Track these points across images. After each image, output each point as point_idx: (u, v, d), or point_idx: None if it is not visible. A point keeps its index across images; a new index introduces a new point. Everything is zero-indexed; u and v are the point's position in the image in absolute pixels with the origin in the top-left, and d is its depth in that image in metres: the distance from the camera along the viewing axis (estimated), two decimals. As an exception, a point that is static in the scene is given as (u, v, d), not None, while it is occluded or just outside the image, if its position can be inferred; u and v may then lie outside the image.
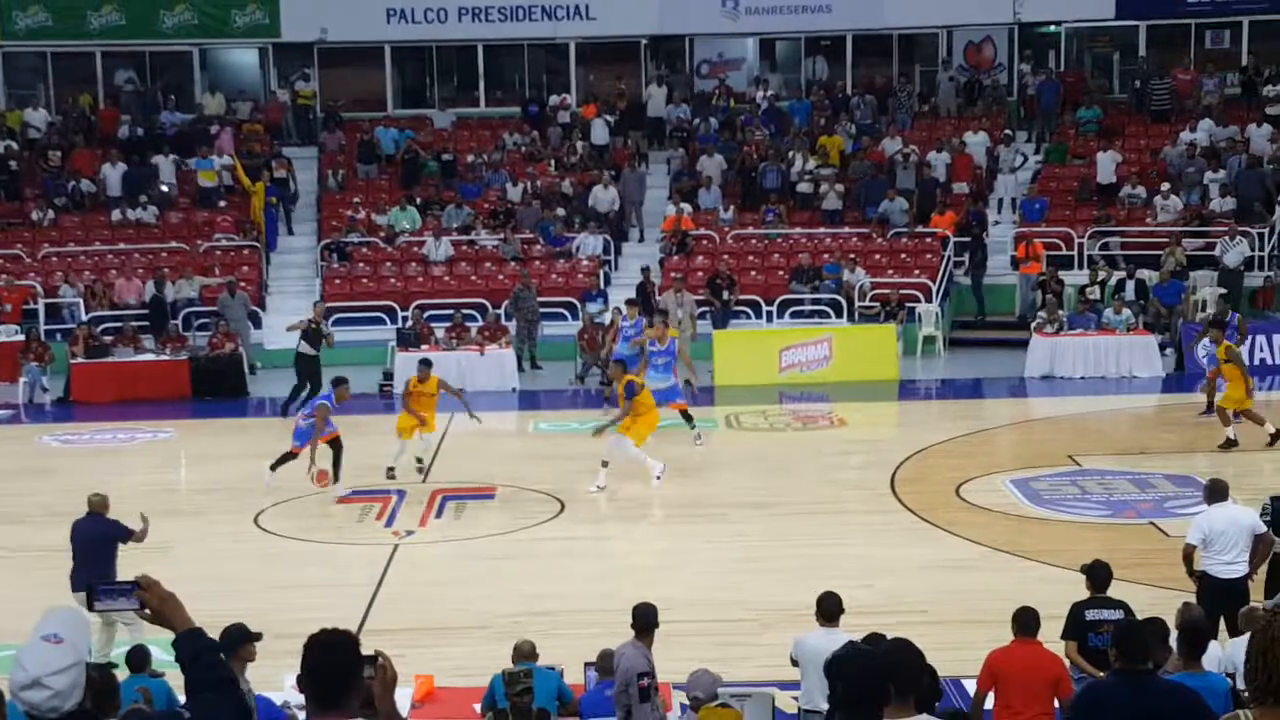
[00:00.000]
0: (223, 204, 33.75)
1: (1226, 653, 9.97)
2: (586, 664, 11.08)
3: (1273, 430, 20.37)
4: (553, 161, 35.12)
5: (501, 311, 28.49)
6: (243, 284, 29.72)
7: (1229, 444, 20.32)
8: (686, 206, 32.68)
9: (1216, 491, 13.14)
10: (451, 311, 28.33)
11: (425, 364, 20.91)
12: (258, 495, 18.96)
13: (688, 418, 21.85)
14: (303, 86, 37.07)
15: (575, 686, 10.96)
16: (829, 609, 10.47)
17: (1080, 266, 30.23)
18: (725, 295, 29.34)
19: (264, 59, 37.98)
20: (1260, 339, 26.79)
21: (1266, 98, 34.24)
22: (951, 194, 32.84)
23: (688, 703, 10.14)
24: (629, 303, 25.39)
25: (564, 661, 11.28)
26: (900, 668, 6.07)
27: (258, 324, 29.85)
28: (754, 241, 32.09)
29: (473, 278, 31.04)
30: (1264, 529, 12.51)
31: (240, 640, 9.89)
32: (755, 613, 14.23)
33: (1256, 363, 26.09)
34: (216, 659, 5.14)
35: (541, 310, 28.74)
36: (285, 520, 18.20)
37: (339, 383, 19.56)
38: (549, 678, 10.60)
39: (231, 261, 31.54)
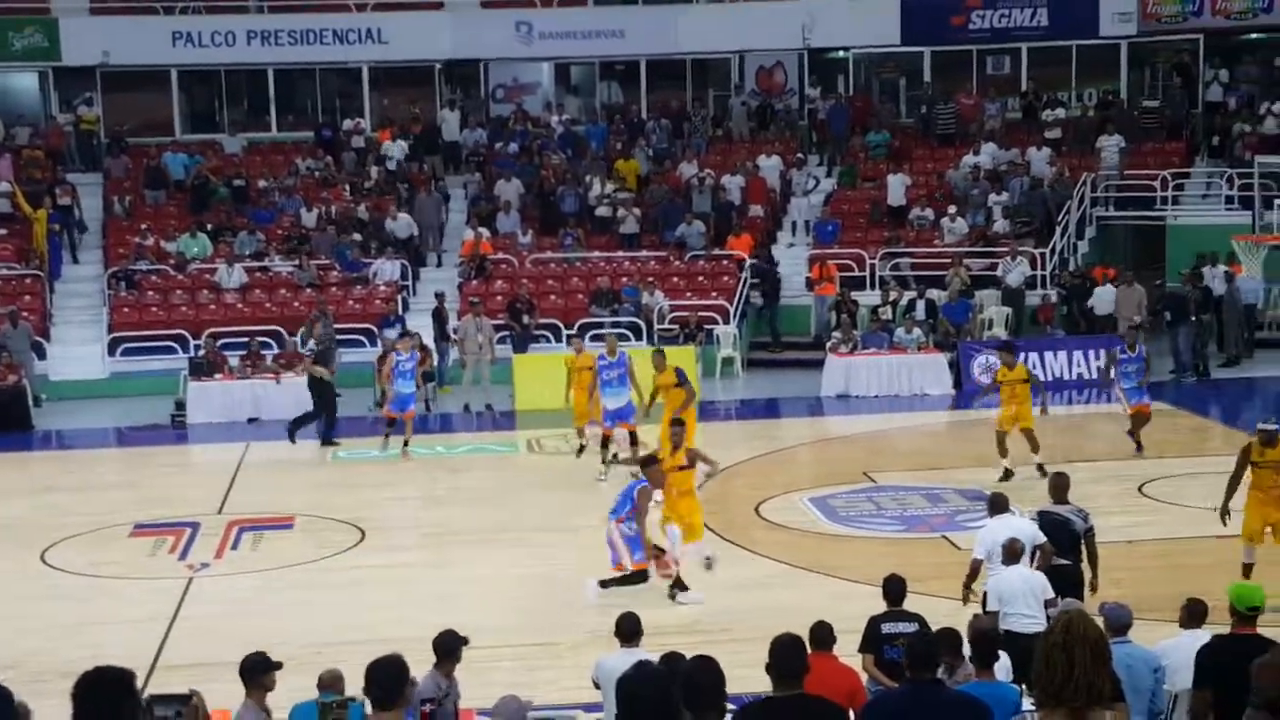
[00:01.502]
0: (3, 232, 32.66)
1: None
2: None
3: (1040, 463, 19.95)
4: (348, 186, 34.72)
5: (297, 339, 28.00)
6: (25, 314, 28.77)
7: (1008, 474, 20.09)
8: (485, 231, 32.57)
9: (997, 505, 13.53)
10: (246, 340, 27.78)
11: None
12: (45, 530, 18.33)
13: (633, 440, 21.16)
14: (85, 111, 36.07)
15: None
16: (627, 629, 10.49)
17: (872, 287, 30.84)
18: (525, 319, 29.27)
19: (44, 83, 36.87)
20: (1034, 356, 27.44)
21: (1045, 121, 35.36)
22: (747, 217, 33.26)
23: (494, 729, 10.01)
24: (404, 335, 25.08)
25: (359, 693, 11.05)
26: (700, 687, 6.07)
27: (42, 355, 28.91)
28: (553, 265, 32.08)
29: (267, 305, 30.48)
30: (1044, 539, 12.86)
31: (261, 669, 9.81)
32: (560, 636, 14.17)
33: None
34: None
35: (338, 337, 28.32)
36: (74, 555, 17.61)
37: None
38: (354, 710, 10.38)
39: (13, 291, 30.49)
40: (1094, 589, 13.18)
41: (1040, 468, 19.52)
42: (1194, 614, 10.71)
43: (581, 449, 21.81)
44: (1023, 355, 22.72)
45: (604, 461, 20.94)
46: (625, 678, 5.83)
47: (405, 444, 22.80)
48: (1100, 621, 10.29)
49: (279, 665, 10.04)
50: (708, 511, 18.92)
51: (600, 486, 20.11)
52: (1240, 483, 14.96)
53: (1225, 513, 14.95)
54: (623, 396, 21.09)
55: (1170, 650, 10.46)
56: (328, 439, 23.92)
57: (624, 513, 15.11)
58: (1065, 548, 13.26)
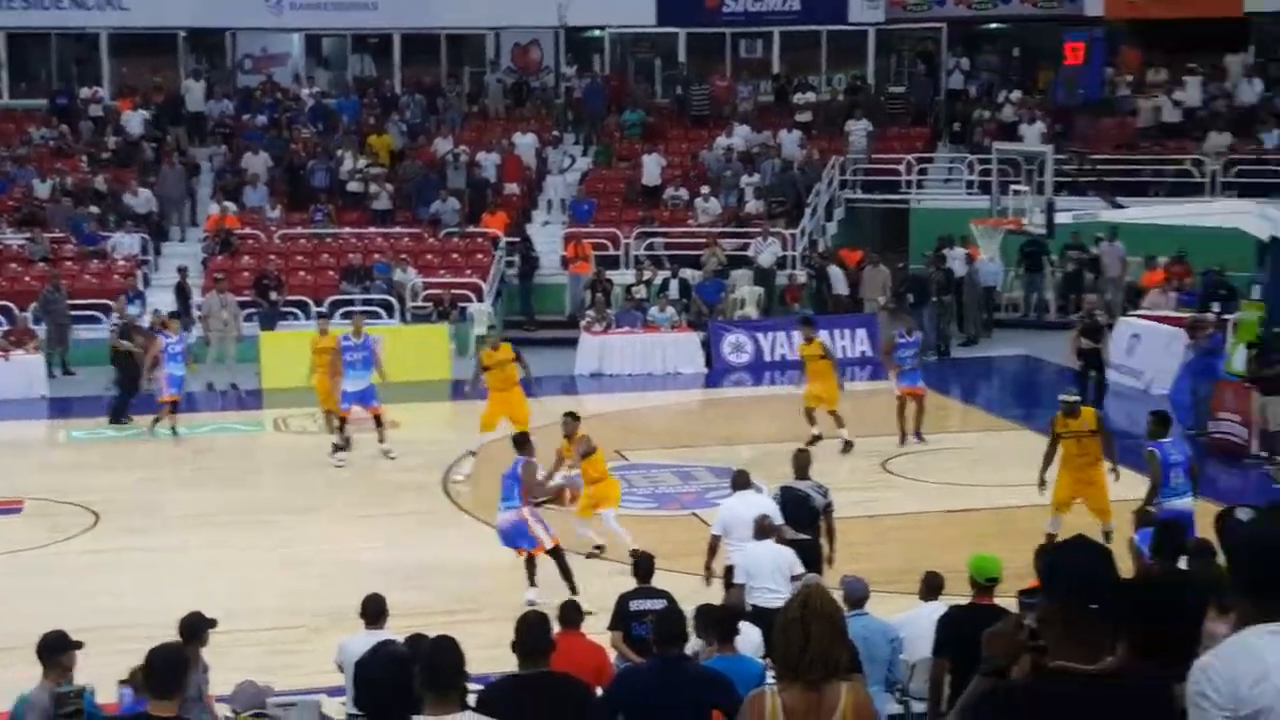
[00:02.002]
0: None
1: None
2: (120, 681, 10.48)
3: (849, 438, 20.61)
4: (85, 157, 33.49)
5: (29, 314, 26.88)
6: None
7: (815, 440, 20.58)
8: (231, 205, 31.73)
9: (738, 482, 13.71)
10: (-26, 316, 26.63)
11: None
12: None
13: (380, 424, 20.69)
14: None
15: (109, 706, 10.35)
16: (372, 611, 10.33)
17: (627, 266, 30.94)
18: (273, 296, 28.58)
19: None
20: (781, 335, 27.93)
21: (796, 105, 35.92)
22: (502, 194, 33.08)
23: (231, 716, 9.74)
24: (173, 315, 24.31)
25: (95, 680, 10.63)
26: (438, 668, 6.05)
27: None
28: (302, 241, 31.41)
29: (-2, 279, 29.24)
30: (776, 519, 13.03)
31: (59, 648, 9.49)
32: (305, 619, 13.89)
33: (778, 358, 27.41)
34: None
35: (73, 313, 27.27)
36: None
37: None
38: (87, 699, 10.00)
39: None
40: (831, 563, 13.44)
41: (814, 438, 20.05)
42: (931, 586, 10.98)
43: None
44: (822, 333, 22.98)
45: (335, 449, 20.36)
46: (363, 661, 5.76)
47: (173, 429, 22.11)
48: (839, 595, 10.53)
49: (79, 645, 9.72)
50: (460, 492, 18.87)
51: (318, 464, 19.88)
52: (1054, 455, 15.47)
53: (1041, 483, 15.51)
54: (364, 379, 20.52)
55: (908, 622, 10.72)
56: (118, 416, 22.99)
57: (517, 496, 14.75)
58: (805, 523, 13.48)
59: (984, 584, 9.75)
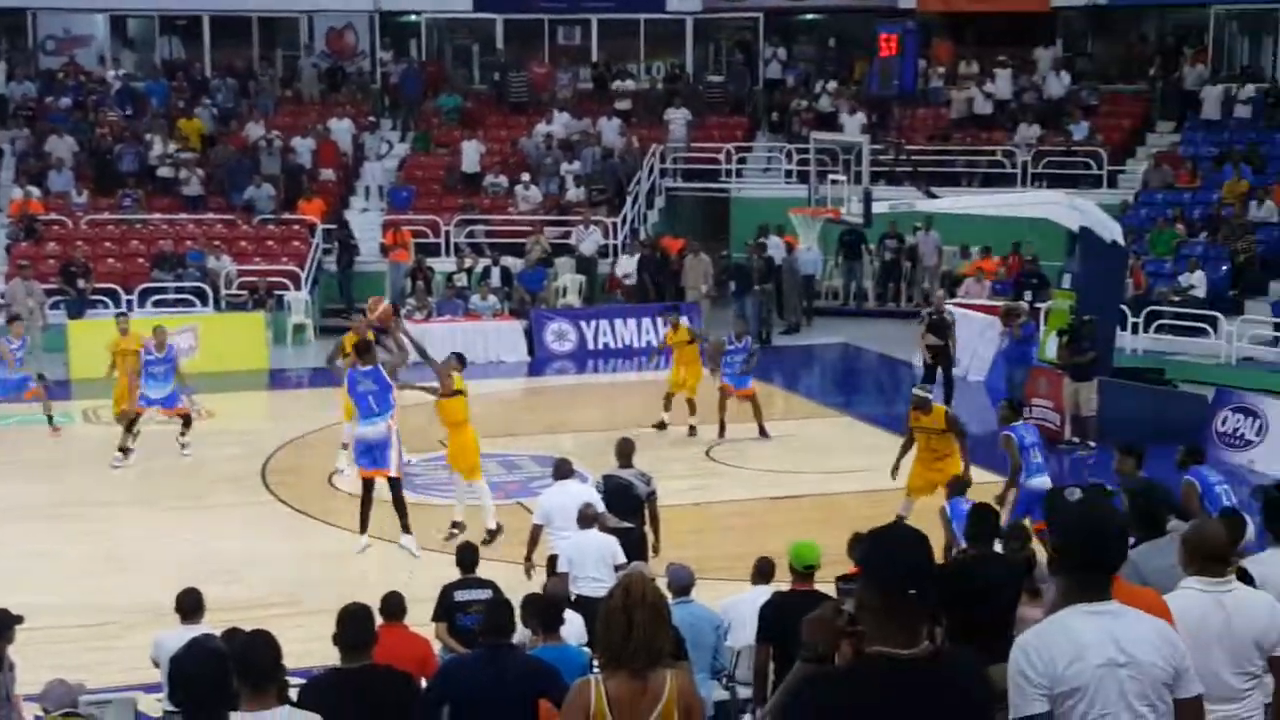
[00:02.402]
0: None
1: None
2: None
3: (694, 423, 20.90)
4: (-124, 139, 32.20)
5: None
6: None
7: (661, 425, 20.92)
8: (34, 190, 30.74)
9: (560, 470, 13.66)
10: None
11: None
12: None
13: (187, 423, 20.02)
14: None
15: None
16: (188, 605, 10.09)
17: (448, 254, 30.66)
18: (80, 284, 27.76)
19: None
20: (604, 324, 28.00)
21: (616, 92, 35.93)
22: (318, 180, 32.53)
23: (42, 716, 9.41)
24: (14, 320, 23.29)
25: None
26: (254, 662, 6.01)
27: None
28: (111, 227, 30.51)
29: None
30: (598, 507, 13.03)
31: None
32: (119, 614, 13.51)
33: (601, 346, 27.46)
34: None
35: None
36: None
37: None
38: None
39: None
40: (656, 552, 13.47)
41: (691, 429, 20.71)
42: (762, 572, 11.05)
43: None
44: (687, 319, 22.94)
45: (123, 447, 19.75)
46: (177, 656, 5.68)
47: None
48: (665, 583, 10.55)
49: (20, 619, 9.62)
50: (279, 483, 18.52)
51: (175, 463, 19.39)
52: (910, 447, 15.79)
53: (895, 470, 15.84)
54: (166, 388, 19.85)
55: (732, 607, 10.78)
56: None
57: (387, 407, 14.55)
58: (629, 511, 13.47)
59: (802, 571, 9.81)
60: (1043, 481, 14.73)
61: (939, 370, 22.60)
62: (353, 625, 7.61)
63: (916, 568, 4.51)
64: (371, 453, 14.96)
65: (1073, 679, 4.73)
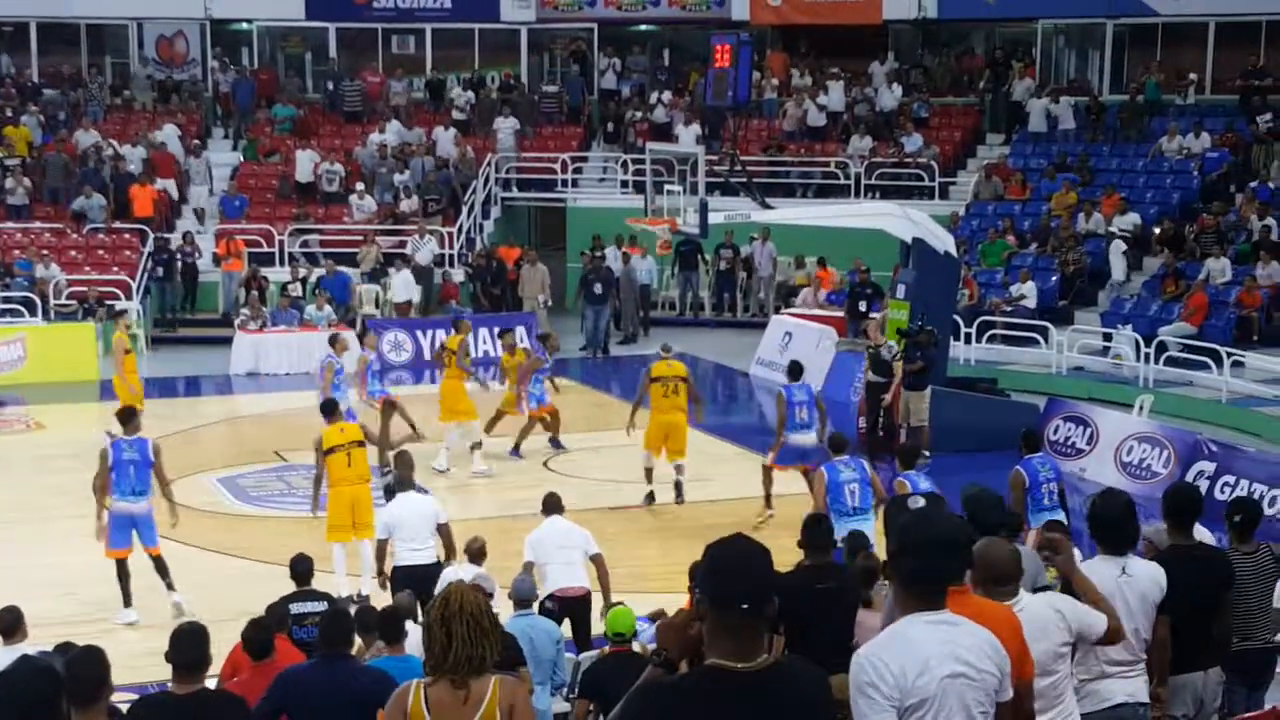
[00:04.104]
0: None
1: None
2: None
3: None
4: None
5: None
6: None
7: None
8: None
9: (401, 483, 13.55)
10: None
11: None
12: None
13: None
14: None
15: None
16: (6, 625, 9.80)
17: (282, 263, 30.31)
18: (-101, 295, 26.97)
19: None
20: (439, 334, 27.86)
21: (450, 102, 35.81)
22: (150, 189, 31.87)
23: None
24: None
25: None
26: (81, 679, 6.02)
27: None
28: (-69, 237, 29.72)
29: None
30: (445, 518, 13.16)
31: None
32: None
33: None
34: None
35: None
36: None
37: None
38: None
39: None
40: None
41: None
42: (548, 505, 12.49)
43: None
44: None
45: None
46: (2, 675, 5.55)
47: None
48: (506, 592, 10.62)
49: None
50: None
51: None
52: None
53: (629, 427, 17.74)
54: None
55: (537, 543, 11.42)
56: None
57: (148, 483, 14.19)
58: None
59: (613, 638, 9.97)
60: (806, 437, 16.68)
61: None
62: (186, 645, 7.39)
63: (750, 582, 4.53)
64: (149, 530, 14.43)
65: (921, 690, 4.84)
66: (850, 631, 8.77)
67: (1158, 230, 27.65)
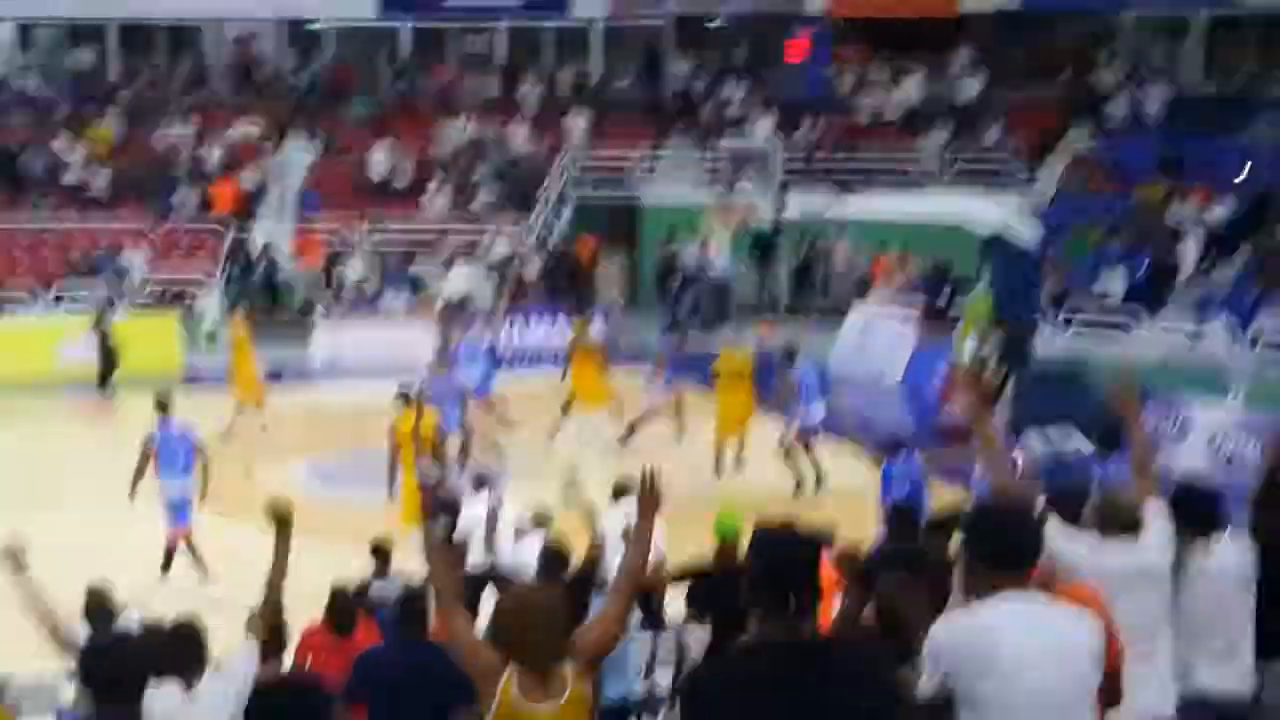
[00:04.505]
0: None
1: None
2: None
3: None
4: None
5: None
6: None
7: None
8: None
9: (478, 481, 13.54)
10: None
11: None
12: None
13: None
14: None
15: None
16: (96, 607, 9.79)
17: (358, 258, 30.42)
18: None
19: None
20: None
21: (523, 99, 35.67)
22: (231, 185, 32.05)
23: None
24: None
25: None
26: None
27: None
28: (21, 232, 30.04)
29: None
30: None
31: None
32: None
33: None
34: None
35: None
36: None
37: None
38: None
39: None
40: None
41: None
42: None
43: None
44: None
45: None
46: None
47: None
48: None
49: None
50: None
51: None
52: None
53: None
54: None
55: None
56: None
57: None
58: None
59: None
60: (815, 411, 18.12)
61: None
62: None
63: (790, 573, 4.71)
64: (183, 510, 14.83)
65: (1011, 668, 4.75)
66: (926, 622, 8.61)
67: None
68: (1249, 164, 28.07)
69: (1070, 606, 5.05)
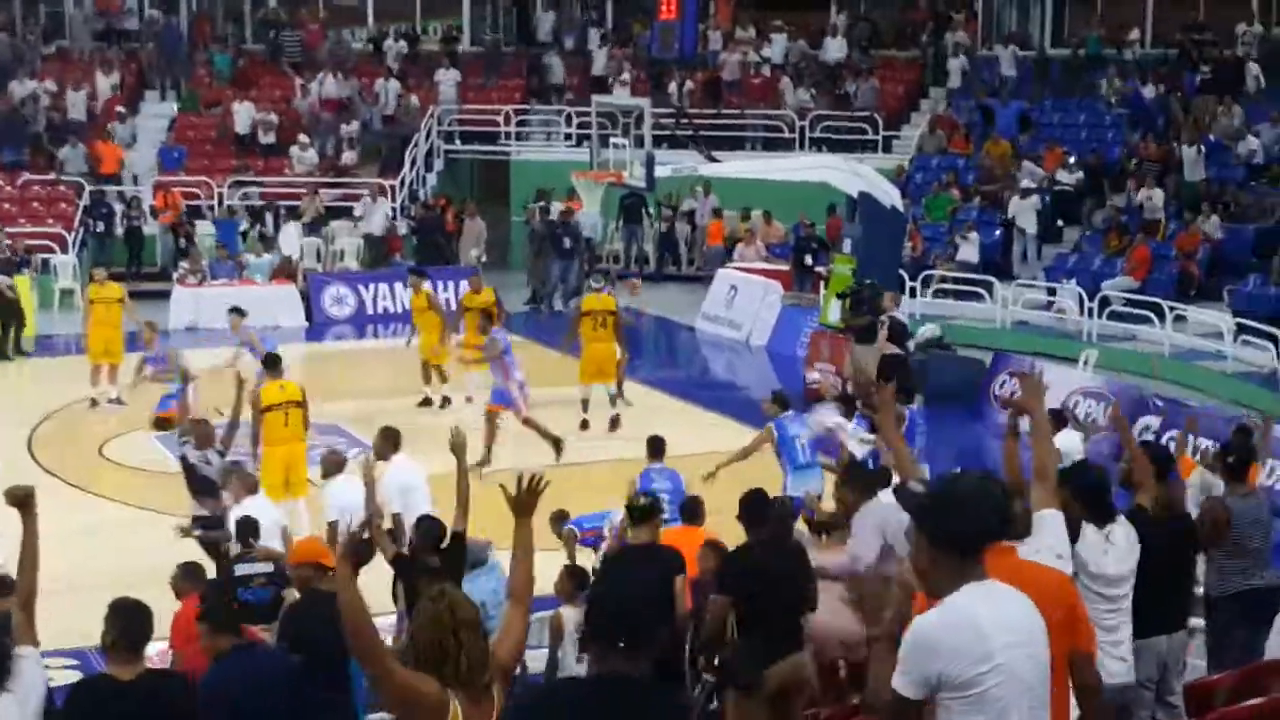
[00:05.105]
0: None
1: None
2: None
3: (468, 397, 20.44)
4: None
5: None
6: None
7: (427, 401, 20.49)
8: None
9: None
10: None
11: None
12: None
13: None
14: None
15: None
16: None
17: (220, 216, 29.92)
18: None
19: None
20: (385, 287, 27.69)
21: (392, 53, 35.28)
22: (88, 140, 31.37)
23: None
24: None
25: None
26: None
27: None
28: None
29: None
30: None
31: None
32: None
33: (381, 311, 27.12)
34: None
35: None
36: None
37: None
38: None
39: None
40: None
41: (444, 399, 20.40)
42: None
43: None
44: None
45: None
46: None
47: None
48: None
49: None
50: (46, 454, 17.87)
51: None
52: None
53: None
54: None
55: None
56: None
57: None
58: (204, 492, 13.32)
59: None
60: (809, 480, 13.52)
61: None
62: (127, 621, 6.77)
63: (626, 623, 4.77)
64: None
65: (981, 666, 4.72)
66: (800, 610, 8.61)
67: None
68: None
69: (1014, 589, 4.96)
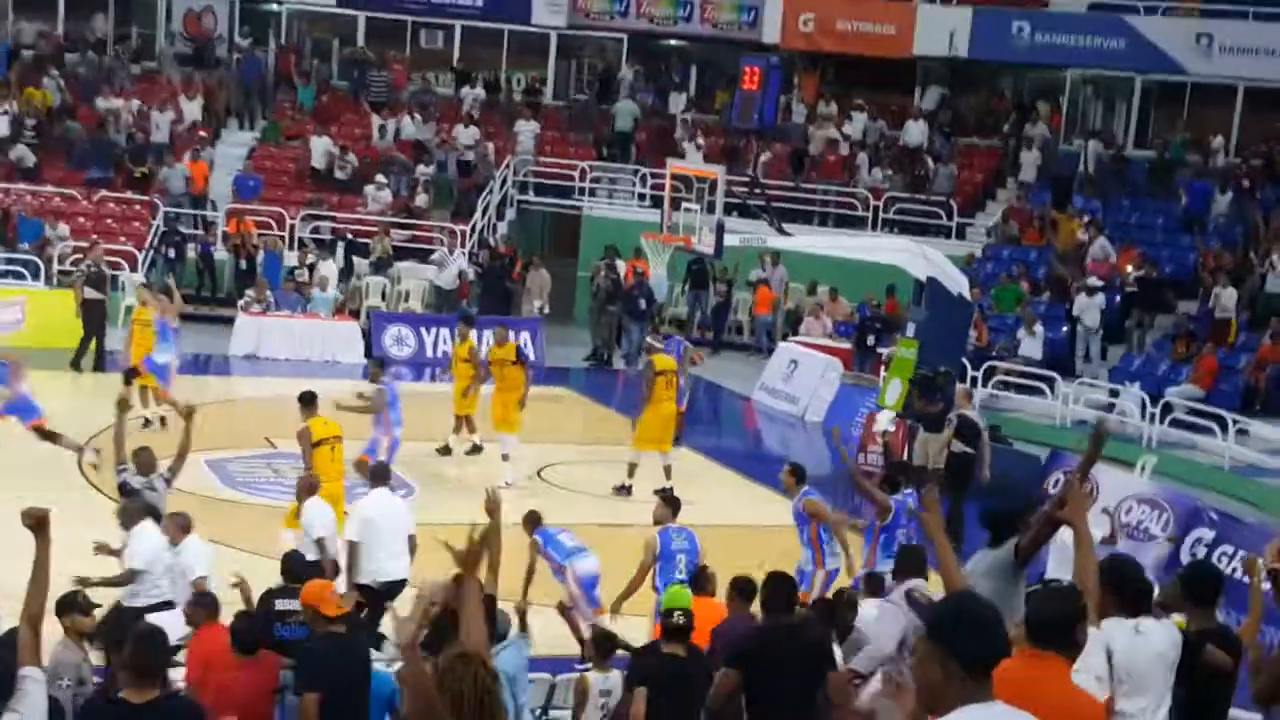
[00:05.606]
0: None
1: None
2: None
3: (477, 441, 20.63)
4: None
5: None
6: None
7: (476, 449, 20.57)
8: None
9: (377, 475, 13.33)
10: None
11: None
12: None
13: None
14: None
15: None
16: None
17: (291, 248, 30.10)
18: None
19: None
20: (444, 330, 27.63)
21: (473, 100, 35.47)
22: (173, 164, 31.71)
23: None
24: None
25: None
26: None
27: None
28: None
29: None
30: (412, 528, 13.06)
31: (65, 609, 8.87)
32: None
33: (440, 354, 27.08)
34: None
35: None
36: None
37: None
38: None
39: None
40: None
41: (475, 447, 20.48)
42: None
43: None
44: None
45: None
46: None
47: None
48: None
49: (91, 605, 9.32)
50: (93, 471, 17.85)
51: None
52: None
53: None
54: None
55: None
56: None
57: None
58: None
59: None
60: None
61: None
62: (147, 649, 6.82)
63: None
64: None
65: None
66: (813, 696, 8.56)
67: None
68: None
69: (1023, 713, 4.75)
